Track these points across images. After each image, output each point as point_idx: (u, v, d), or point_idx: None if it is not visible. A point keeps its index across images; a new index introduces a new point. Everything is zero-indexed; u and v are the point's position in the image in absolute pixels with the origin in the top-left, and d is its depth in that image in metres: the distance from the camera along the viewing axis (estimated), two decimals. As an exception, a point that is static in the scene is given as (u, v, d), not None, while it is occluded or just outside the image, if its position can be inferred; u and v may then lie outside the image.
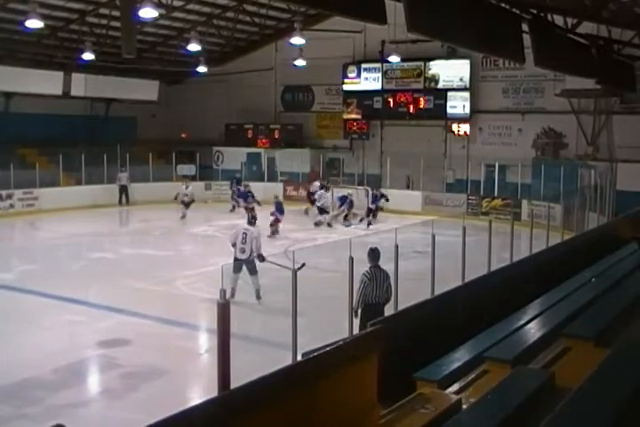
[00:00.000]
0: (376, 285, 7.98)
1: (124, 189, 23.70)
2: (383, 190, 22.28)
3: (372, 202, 20.49)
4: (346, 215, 20.48)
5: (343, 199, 20.49)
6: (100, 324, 10.12)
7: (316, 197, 20.61)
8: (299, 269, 10.02)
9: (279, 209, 18.39)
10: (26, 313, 10.52)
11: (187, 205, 21.06)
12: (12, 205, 21.32)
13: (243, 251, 11.17)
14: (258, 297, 10.96)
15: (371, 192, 20.97)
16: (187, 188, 21.55)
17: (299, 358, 6.76)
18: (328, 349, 4.04)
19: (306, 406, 3.65)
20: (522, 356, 4.92)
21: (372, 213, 20.24)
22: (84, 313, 10.66)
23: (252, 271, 11.11)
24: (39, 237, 18.74)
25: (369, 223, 19.58)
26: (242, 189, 21.78)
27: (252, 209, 17.36)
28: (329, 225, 19.85)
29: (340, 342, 4.23)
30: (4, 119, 23.34)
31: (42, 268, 14.20)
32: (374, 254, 8.17)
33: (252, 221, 12.01)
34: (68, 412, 7.03)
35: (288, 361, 5.91)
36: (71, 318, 10.36)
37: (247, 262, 11.08)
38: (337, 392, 3.85)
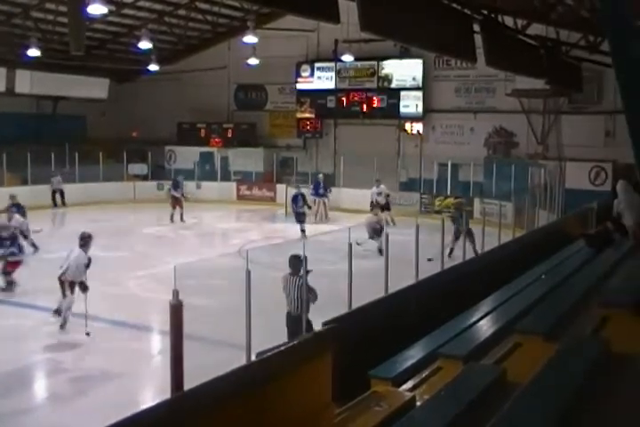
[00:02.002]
0: (286, 294, 7.79)
1: (57, 192, 23.01)
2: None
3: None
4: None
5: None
6: (47, 327, 9.84)
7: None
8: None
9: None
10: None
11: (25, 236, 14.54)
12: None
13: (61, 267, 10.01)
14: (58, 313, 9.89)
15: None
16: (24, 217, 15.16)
17: (253, 358, 6.70)
18: (282, 349, 4.01)
19: (259, 406, 3.61)
20: (474, 352, 4.97)
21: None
22: (30, 317, 10.36)
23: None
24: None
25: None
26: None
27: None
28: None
29: (294, 342, 4.21)
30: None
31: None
32: (293, 262, 7.86)
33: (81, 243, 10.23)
34: (14, 420, 6.81)
35: (242, 361, 5.84)
36: (17, 322, 10.05)
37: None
38: (291, 392, 3.82)
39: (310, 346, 4.15)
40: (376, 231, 14.85)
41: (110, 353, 8.74)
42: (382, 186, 20.10)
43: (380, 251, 13.56)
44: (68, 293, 9.85)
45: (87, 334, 9.30)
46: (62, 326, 9.71)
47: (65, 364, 8.34)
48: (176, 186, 21.06)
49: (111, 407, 6.39)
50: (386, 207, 19.35)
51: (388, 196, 20.00)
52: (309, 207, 18.91)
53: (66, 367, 8.24)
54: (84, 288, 9.93)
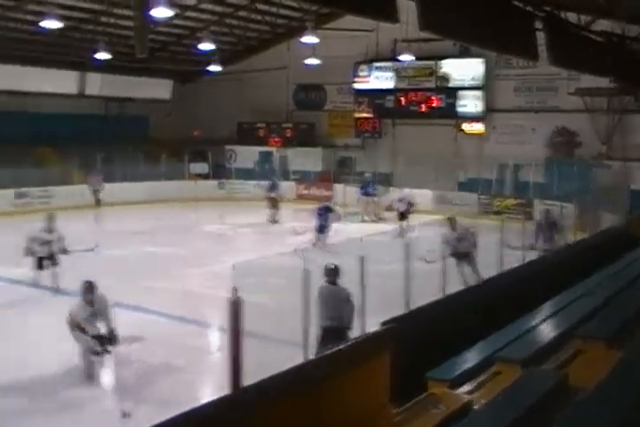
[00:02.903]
0: (324, 305, 7.44)
1: (98, 192, 23.10)
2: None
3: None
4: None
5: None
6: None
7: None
8: None
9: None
10: (40, 310, 10.55)
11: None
12: (27, 203, 21.49)
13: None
14: None
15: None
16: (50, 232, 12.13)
17: (310, 356, 6.76)
18: (340, 347, 4.04)
19: (316, 405, 3.65)
20: (533, 357, 4.89)
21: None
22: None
23: None
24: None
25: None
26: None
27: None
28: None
29: (352, 341, 4.23)
30: (21, 119, 23.37)
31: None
32: (328, 271, 7.56)
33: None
34: (81, 407, 7.12)
35: (300, 360, 5.90)
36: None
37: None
38: (348, 391, 3.85)
39: (368, 346, 4.17)
40: (459, 254, 10.99)
41: (171, 348, 8.94)
42: (407, 191, 19.45)
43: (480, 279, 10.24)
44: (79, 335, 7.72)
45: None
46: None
47: (129, 357, 8.54)
48: (273, 187, 21.14)
49: (172, 400, 6.56)
50: (404, 215, 18.17)
51: (409, 204, 18.42)
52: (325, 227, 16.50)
53: (130, 360, 8.45)
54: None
